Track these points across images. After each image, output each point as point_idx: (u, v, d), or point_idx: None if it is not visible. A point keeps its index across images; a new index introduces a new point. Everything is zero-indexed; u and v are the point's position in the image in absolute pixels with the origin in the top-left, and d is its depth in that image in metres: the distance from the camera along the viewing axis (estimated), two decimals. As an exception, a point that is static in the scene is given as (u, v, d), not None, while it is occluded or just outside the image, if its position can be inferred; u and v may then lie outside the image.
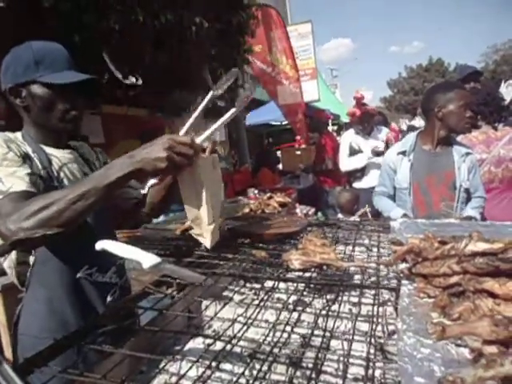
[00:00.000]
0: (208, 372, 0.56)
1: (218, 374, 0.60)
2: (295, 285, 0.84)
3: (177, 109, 4.57)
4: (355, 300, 0.76)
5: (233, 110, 1.00)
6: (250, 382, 0.53)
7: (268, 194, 2.73)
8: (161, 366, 0.61)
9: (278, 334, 0.65)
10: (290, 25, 8.63)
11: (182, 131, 1.03)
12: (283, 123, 8.96)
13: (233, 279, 0.91)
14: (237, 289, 0.89)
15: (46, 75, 0.97)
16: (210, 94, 1.06)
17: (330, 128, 9.04)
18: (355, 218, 2.03)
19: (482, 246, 0.65)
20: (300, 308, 0.73)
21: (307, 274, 0.86)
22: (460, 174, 1.90)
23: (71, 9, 2.14)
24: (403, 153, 2.02)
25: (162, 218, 3.00)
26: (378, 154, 3.57)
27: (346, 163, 3.92)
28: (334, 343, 0.63)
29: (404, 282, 0.71)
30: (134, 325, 0.74)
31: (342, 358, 0.57)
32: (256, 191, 4.06)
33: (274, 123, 9.59)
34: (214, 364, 0.57)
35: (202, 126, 1.05)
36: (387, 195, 2.11)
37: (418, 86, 28.25)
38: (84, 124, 1.10)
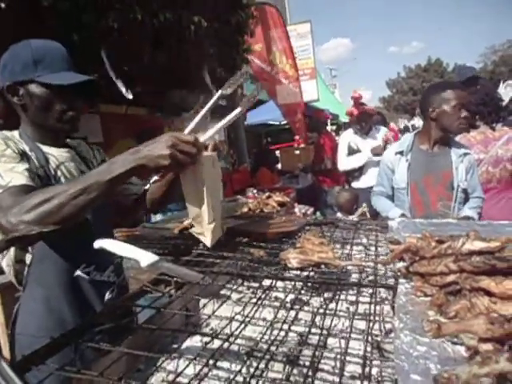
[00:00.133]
0: (205, 370, 0.56)
1: (215, 371, 0.60)
2: (293, 283, 0.84)
3: (176, 108, 4.57)
4: (352, 298, 0.76)
5: (238, 110, 1.00)
6: (247, 379, 0.53)
7: (267, 194, 2.73)
8: (158, 363, 0.61)
9: (275, 332, 0.65)
10: (289, 25, 8.62)
11: (188, 129, 1.02)
12: (282, 123, 8.96)
13: (231, 278, 0.91)
14: (235, 287, 0.89)
15: (44, 75, 0.97)
16: (219, 92, 1.04)
17: (328, 128, 9.06)
18: (354, 218, 2.04)
19: (478, 245, 0.66)
20: (297, 306, 0.74)
21: (305, 273, 0.86)
22: (458, 174, 1.91)
23: (70, 8, 2.14)
24: (401, 153, 2.03)
25: (160, 216, 3.01)
26: (377, 154, 3.57)
27: (345, 163, 3.93)
28: (331, 341, 0.64)
29: (401, 280, 0.72)
30: (131, 323, 0.74)
31: (339, 356, 0.57)
32: (255, 191, 4.05)
33: (272, 123, 9.59)
34: (211, 362, 0.57)
35: (202, 126, 1.05)
36: (385, 195, 2.12)
37: (417, 86, 28.29)
38: (82, 123, 1.10)
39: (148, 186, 1.14)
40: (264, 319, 0.70)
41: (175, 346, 0.72)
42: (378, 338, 0.64)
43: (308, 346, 0.61)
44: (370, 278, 0.83)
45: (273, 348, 0.60)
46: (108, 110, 4.16)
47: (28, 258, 0.95)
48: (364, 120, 3.84)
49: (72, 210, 0.77)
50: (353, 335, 0.61)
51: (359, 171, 3.81)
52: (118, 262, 1.12)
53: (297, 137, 7.48)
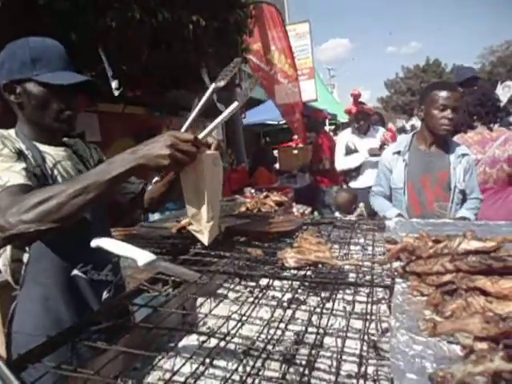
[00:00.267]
0: (202, 368, 0.56)
1: (211, 370, 0.60)
2: (290, 283, 0.84)
3: (174, 107, 4.56)
4: (349, 298, 0.76)
5: (234, 105, 0.99)
6: (244, 378, 0.53)
7: (264, 193, 2.74)
8: (155, 362, 0.62)
9: (272, 331, 0.66)
10: (287, 24, 8.59)
11: (185, 126, 1.02)
12: (280, 122, 8.96)
13: (228, 277, 0.91)
14: (232, 286, 0.89)
15: (42, 74, 0.96)
16: (213, 85, 1.03)
17: (327, 128, 9.05)
18: (352, 218, 2.04)
19: (474, 245, 0.66)
20: (294, 305, 0.74)
21: (302, 272, 0.87)
22: (455, 175, 1.90)
23: (68, 7, 2.13)
24: (398, 153, 2.03)
25: (158, 216, 3.01)
26: (373, 154, 3.58)
27: (342, 162, 3.93)
28: (327, 340, 0.64)
29: (398, 280, 0.72)
30: (128, 322, 0.74)
31: (335, 355, 0.57)
32: (253, 190, 4.05)
33: (271, 122, 9.59)
34: (207, 360, 0.57)
35: (199, 123, 1.05)
36: (384, 195, 2.12)
37: (415, 87, 28.33)
38: (80, 122, 1.09)
39: (150, 187, 1.14)
40: (261, 318, 0.70)
41: (172, 344, 0.72)
42: (375, 337, 0.64)
43: (304, 344, 0.61)
44: (367, 277, 0.84)
45: (269, 347, 0.60)
46: (106, 108, 4.15)
47: (25, 256, 0.95)
48: (362, 118, 3.84)
49: (71, 209, 0.77)
50: (349, 334, 0.61)
51: (356, 171, 3.82)
52: (115, 261, 1.12)
53: (295, 136, 7.47)
